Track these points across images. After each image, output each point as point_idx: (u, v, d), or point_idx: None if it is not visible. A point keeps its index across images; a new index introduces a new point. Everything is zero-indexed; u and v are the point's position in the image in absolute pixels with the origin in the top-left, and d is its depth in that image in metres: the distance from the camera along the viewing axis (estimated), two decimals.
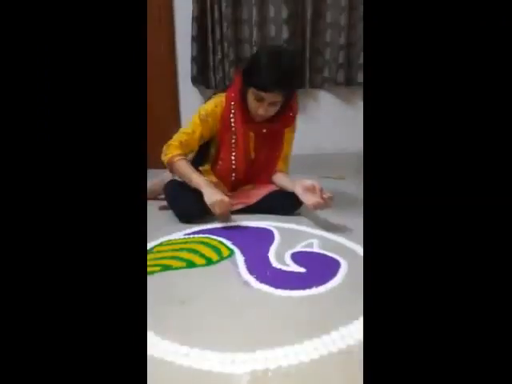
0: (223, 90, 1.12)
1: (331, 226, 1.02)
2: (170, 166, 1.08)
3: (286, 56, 1.00)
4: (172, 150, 1.06)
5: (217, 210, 0.98)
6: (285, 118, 1.09)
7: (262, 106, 1.00)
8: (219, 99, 1.09)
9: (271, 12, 1.84)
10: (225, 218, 1.02)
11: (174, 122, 2.02)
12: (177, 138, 1.08)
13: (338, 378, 0.44)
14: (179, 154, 1.05)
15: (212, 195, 0.98)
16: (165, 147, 1.09)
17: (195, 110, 2.11)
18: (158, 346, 0.50)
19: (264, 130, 1.09)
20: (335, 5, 1.85)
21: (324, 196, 0.96)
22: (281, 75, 0.95)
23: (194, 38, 1.83)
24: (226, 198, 0.99)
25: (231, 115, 1.07)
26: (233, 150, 1.10)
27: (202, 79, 1.90)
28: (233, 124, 1.08)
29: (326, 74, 1.93)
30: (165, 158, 1.07)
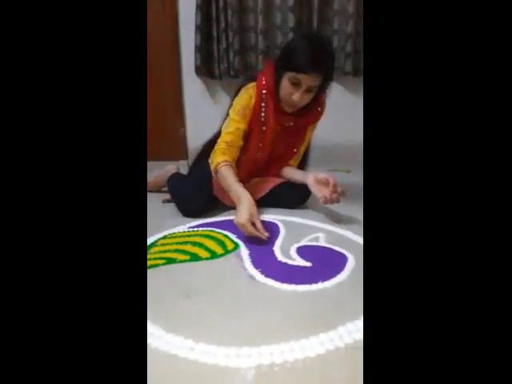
0: (252, 80, 1.08)
1: (337, 219, 1.00)
2: (215, 175, 1.00)
3: (323, 38, 1.00)
4: (216, 158, 0.99)
5: (242, 230, 0.85)
6: (313, 112, 1.06)
7: (298, 91, 0.95)
8: (252, 90, 1.04)
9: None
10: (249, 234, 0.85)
11: (178, 113, 2.00)
12: (222, 141, 1.01)
13: (345, 373, 0.44)
14: (224, 161, 0.97)
15: (240, 215, 0.84)
16: (211, 154, 1.02)
17: (198, 100, 2.09)
18: (162, 340, 0.49)
19: (291, 123, 1.06)
20: None
21: (338, 190, 0.93)
22: (320, 56, 0.92)
23: (197, 27, 1.79)
24: (249, 224, 0.83)
25: (262, 104, 1.03)
26: (261, 140, 1.07)
27: (205, 69, 1.87)
28: (263, 114, 1.04)
29: None
30: (212, 166, 1.00)
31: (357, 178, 1.44)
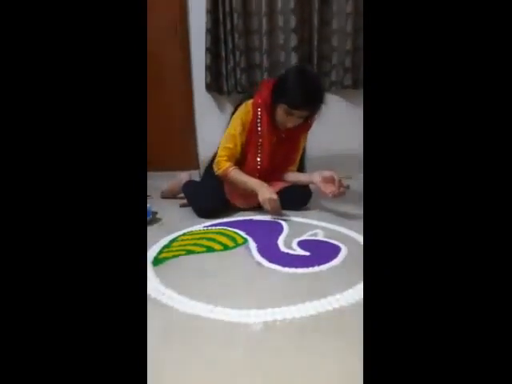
0: (249, 97, 1.22)
1: (335, 218, 1.13)
2: (224, 178, 1.21)
3: (313, 76, 1.15)
4: (223, 165, 1.19)
5: (267, 207, 1.12)
6: (304, 124, 1.20)
7: (292, 119, 1.13)
8: (250, 106, 1.19)
9: (280, 21, 1.95)
10: (275, 212, 1.14)
11: (189, 126, 2.17)
12: (223, 154, 1.20)
13: (330, 327, 0.56)
14: (230, 166, 1.18)
15: (263, 194, 1.12)
16: (215, 164, 1.21)
17: (209, 114, 2.24)
18: (188, 305, 0.62)
19: (283, 135, 1.21)
20: (341, 12, 1.95)
21: (343, 185, 1.08)
22: (310, 95, 1.09)
23: (207, 49, 1.96)
24: (275, 196, 1.12)
25: (258, 120, 1.18)
26: (259, 152, 1.22)
27: (215, 86, 2.03)
28: (259, 128, 1.19)
29: (333, 77, 2.02)
30: (219, 172, 1.20)
31: (357, 183, 1.56)
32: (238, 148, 1.20)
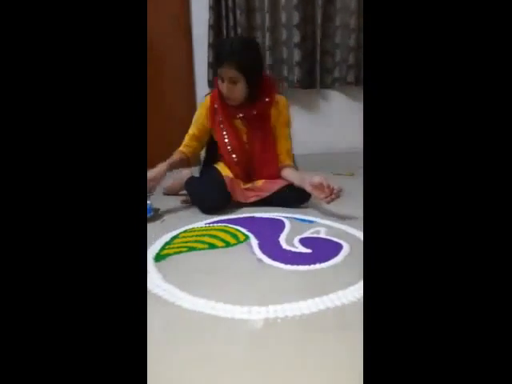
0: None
1: (337, 216, 1.12)
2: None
3: (239, 39, 1.24)
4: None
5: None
6: (259, 103, 1.23)
7: (225, 85, 1.16)
8: (207, 101, 1.30)
9: (283, 18, 1.94)
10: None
11: (191, 123, 2.16)
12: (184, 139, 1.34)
13: (332, 325, 0.56)
14: (179, 150, 1.32)
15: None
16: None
17: None
18: (190, 302, 0.62)
19: (241, 115, 1.24)
20: (345, 8, 1.94)
21: (334, 191, 1.06)
22: (231, 50, 1.13)
23: (210, 45, 1.96)
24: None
25: (215, 106, 1.26)
26: (225, 135, 1.28)
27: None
28: (221, 119, 1.26)
29: (336, 74, 2.01)
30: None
31: (359, 180, 1.55)
32: (191, 136, 1.32)
